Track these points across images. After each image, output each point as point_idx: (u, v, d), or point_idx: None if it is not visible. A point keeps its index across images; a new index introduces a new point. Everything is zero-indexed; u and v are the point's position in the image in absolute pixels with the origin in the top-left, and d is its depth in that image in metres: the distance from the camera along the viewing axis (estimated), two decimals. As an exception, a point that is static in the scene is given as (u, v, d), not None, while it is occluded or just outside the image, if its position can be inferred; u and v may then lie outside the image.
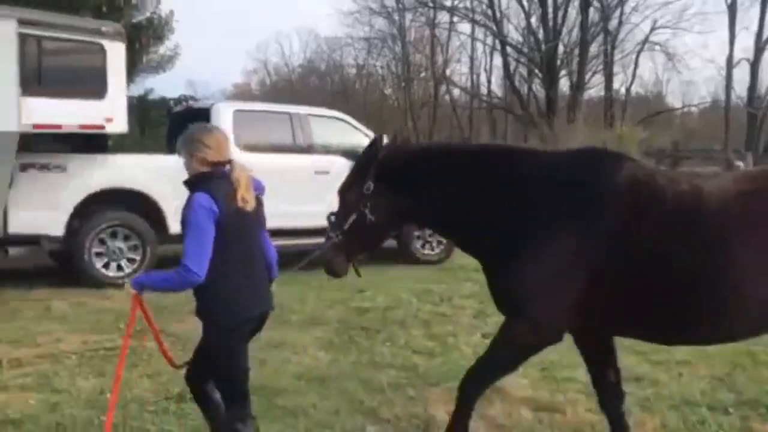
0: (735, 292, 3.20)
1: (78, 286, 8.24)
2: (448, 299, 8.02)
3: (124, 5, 16.40)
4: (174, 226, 8.70)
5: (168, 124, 10.40)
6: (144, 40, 17.20)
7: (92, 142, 8.56)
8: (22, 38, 6.30)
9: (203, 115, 9.04)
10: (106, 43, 7.83)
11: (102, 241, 8.38)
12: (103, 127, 7.93)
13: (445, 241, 10.08)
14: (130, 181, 8.50)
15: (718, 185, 3.38)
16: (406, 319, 6.99)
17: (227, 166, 3.35)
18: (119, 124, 8.06)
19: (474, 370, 3.53)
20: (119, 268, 8.53)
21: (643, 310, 3.35)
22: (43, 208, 7.90)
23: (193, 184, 3.35)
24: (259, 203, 3.48)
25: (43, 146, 8.02)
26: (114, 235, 8.46)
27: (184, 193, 3.39)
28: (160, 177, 8.41)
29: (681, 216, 3.29)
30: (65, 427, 4.39)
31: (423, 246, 10.47)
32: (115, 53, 7.92)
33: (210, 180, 3.30)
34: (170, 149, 9.78)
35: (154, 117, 14.42)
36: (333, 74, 47.86)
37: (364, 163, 3.63)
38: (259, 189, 3.49)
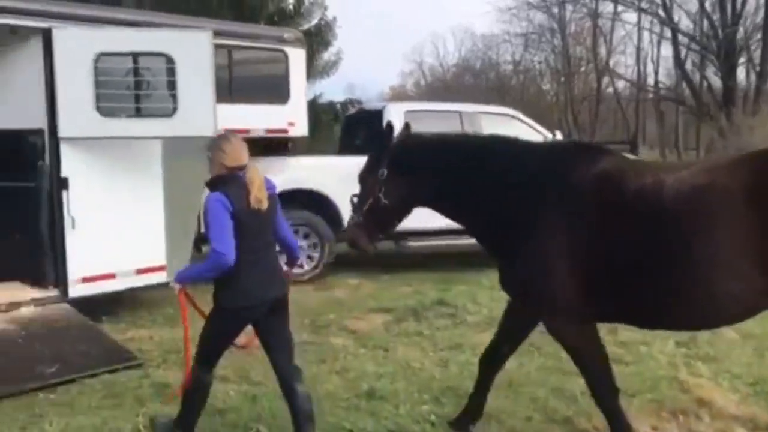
0: (692, 282, 3.37)
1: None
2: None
3: (294, 14, 17.12)
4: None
5: (342, 126, 10.72)
6: (313, 46, 17.89)
7: (273, 145, 8.98)
8: (216, 48, 6.68)
9: (376, 116, 9.18)
10: (288, 50, 8.18)
11: (284, 239, 8.73)
12: (286, 131, 8.29)
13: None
14: (311, 182, 8.81)
15: (681, 178, 3.50)
16: (589, 324, 6.65)
17: (243, 170, 3.76)
18: (301, 128, 8.39)
19: (590, 382, 3.91)
20: (300, 265, 8.87)
21: (617, 297, 3.58)
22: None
23: (211, 185, 3.79)
24: (274, 200, 3.89)
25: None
26: (295, 234, 8.77)
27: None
28: (336, 178, 8.65)
29: (641, 208, 3.48)
30: (266, 419, 4.58)
31: None
32: (297, 59, 8.25)
33: (225, 182, 3.73)
34: (343, 151, 10.08)
35: (323, 120, 14.97)
36: (488, 72, 47.34)
37: (379, 151, 4.01)
38: (271, 188, 3.88)
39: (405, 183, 3.93)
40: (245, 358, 5.76)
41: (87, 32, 6.29)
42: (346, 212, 8.80)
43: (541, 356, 5.79)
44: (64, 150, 6.34)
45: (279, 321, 4.04)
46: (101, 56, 6.27)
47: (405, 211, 4.13)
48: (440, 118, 9.63)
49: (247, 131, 7.89)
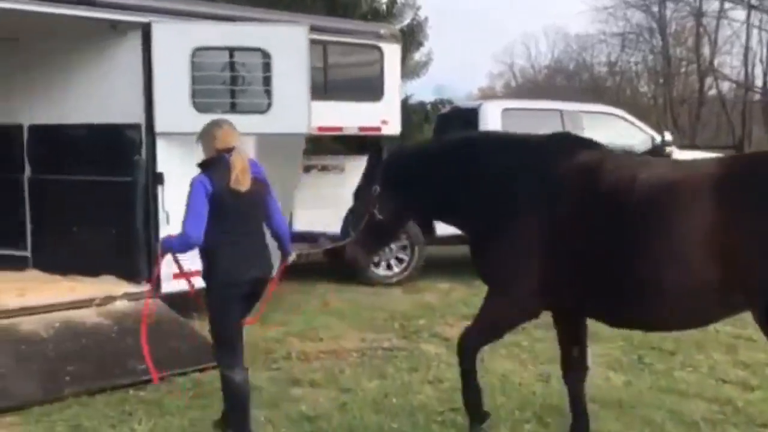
0: (651, 277, 3.36)
1: (350, 283, 8.48)
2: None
3: (387, 14, 16.94)
4: (441, 228, 8.63)
5: (435, 125, 10.43)
6: (404, 47, 17.63)
7: (365, 145, 8.80)
8: (311, 44, 6.53)
9: (471, 115, 8.86)
10: (384, 46, 7.97)
11: (374, 241, 8.53)
12: (379, 130, 8.08)
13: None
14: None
15: (654, 174, 3.50)
16: (704, 341, 6.10)
17: (230, 153, 3.98)
18: (393, 126, 8.16)
19: (468, 334, 4.03)
20: (389, 267, 8.65)
21: (589, 291, 3.61)
22: (323, 207, 8.23)
23: (201, 166, 4.05)
24: (261, 184, 4.09)
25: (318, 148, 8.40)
26: (384, 235, 8.57)
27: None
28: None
29: (610, 202, 3.50)
30: (356, 430, 4.35)
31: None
32: (392, 56, 8.03)
33: (211, 164, 4.01)
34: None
35: (414, 121, 14.70)
36: (582, 73, 45.92)
37: (370, 168, 4.16)
38: (256, 172, 4.08)
39: (397, 197, 4.05)
40: (336, 363, 5.60)
41: (185, 27, 6.26)
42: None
43: (651, 374, 5.33)
44: (160, 145, 6.32)
45: (253, 302, 4.21)
46: (198, 51, 6.22)
47: (400, 225, 4.34)
48: (539, 116, 9.22)
49: (340, 129, 7.74)
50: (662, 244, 3.34)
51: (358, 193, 4.25)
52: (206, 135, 4.12)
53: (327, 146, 8.90)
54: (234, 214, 3.91)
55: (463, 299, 7.94)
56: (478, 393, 4.05)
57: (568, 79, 46.67)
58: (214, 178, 3.89)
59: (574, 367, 4.05)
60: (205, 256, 3.98)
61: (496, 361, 5.57)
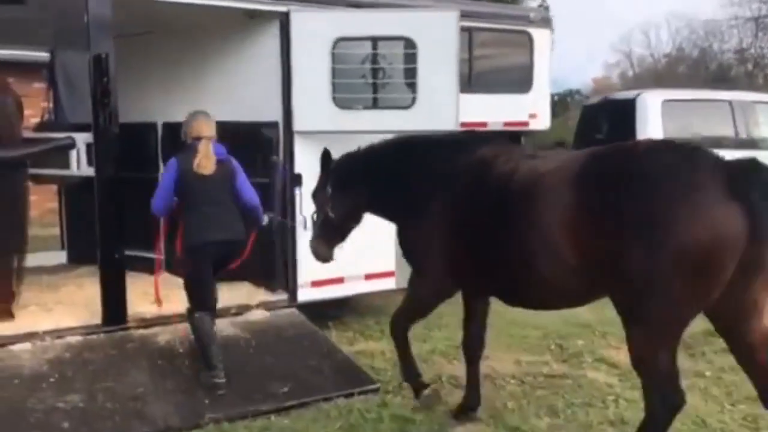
0: (525, 261, 3.67)
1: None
2: None
3: (511, 1, 16.09)
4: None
5: (580, 118, 9.55)
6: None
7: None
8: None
9: (627, 106, 7.95)
10: (534, 32, 7.22)
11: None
12: (527, 124, 7.34)
13: None
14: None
15: (533, 165, 3.80)
16: None
17: (200, 141, 4.67)
18: (542, 121, 7.40)
19: (396, 313, 4.69)
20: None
21: (483, 274, 4.05)
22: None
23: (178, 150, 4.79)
24: (226, 166, 4.76)
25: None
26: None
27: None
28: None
29: (494, 192, 3.88)
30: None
31: None
32: (542, 42, 7.27)
33: (183, 149, 4.74)
34: (581, 146, 8.92)
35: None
36: (709, 61, 42.88)
37: (324, 172, 4.76)
38: (220, 154, 4.74)
39: (345, 196, 4.63)
40: (494, 392, 4.96)
41: (326, 15, 5.77)
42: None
43: None
44: (298, 144, 5.89)
45: (225, 263, 4.91)
46: (339, 42, 5.71)
47: (352, 220, 4.81)
48: (706, 107, 8.17)
49: (484, 124, 7.06)
50: (533, 231, 3.60)
51: (315, 194, 4.86)
52: (185, 124, 4.80)
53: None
54: (199, 191, 4.64)
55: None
56: (413, 365, 4.73)
57: (691, 68, 43.74)
58: (182, 161, 4.66)
59: (476, 341, 4.74)
60: (174, 225, 4.94)
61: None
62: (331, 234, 4.76)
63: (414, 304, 4.60)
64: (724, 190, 3.14)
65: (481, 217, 3.92)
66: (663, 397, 3.37)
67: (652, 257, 3.17)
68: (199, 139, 4.68)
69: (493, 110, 7.02)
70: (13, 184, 5.02)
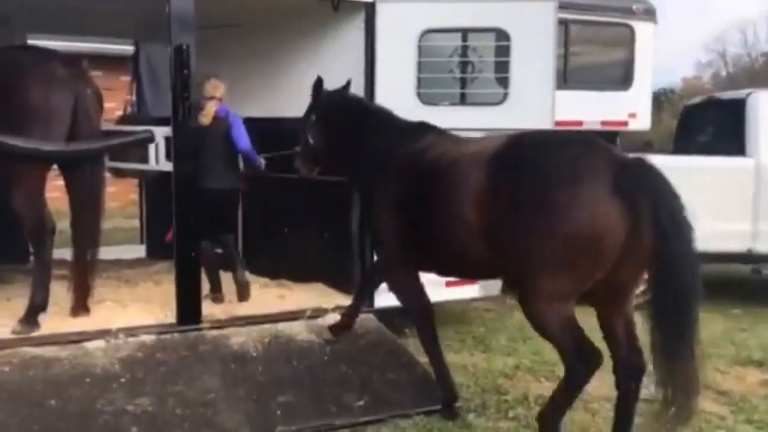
0: (443, 237, 4.04)
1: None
2: None
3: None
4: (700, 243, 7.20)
5: (680, 119, 8.87)
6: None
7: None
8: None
9: (735, 106, 7.29)
10: (636, 24, 6.70)
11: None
12: (626, 124, 6.84)
13: None
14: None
15: (455, 149, 4.18)
16: None
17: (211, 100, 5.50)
18: (643, 120, 6.88)
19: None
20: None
21: (419, 247, 4.33)
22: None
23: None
24: (222, 121, 5.51)
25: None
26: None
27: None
28: (682, 183, 7.02)
29: (426, 174, 4.18)
30: None
31: None
32: (644, 36, 6.75)
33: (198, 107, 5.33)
34: (681, 149, 8.29)
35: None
36: (812, 59, 40.22)
37: (314, 100, 4.98)
38: (222, 113, 5.53)
39: (324, 129, 4.86)
40: (588, 419, 4.54)
41: (413, 6, 5.44)
42: (694, 224, 7.22)
43: None
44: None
45: (222, 211, 5.62)
46: (426, 34, 5.38)
47: (327, 153, 4.91)
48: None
49: (580, 123, 6.60)
50: (451, 208, 3.92)
51: (303, 118, 5.01)
52: (200, 87, 5.33)
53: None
54: (201, 145, 5.14)
55: (726, 334, 6.51)
56: (444, 372, 4.68)
57: (791, 68, 41.09)
58: (196, 116, 5.20)
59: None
60: None
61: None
62: (310, 158, 5.01)
63: (391, 285, 4.85)
64: (610, 185, 3.41)
65: (415, 193, 4.25)
66: (578, 357, 3.68)
67: (540, 240, 3.53)
68: (210, 99, 5.45)
69: (589, 108, 6.56)
70: (89, 177, 4.93)
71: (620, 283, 3.66)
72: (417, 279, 4.65)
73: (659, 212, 3.35)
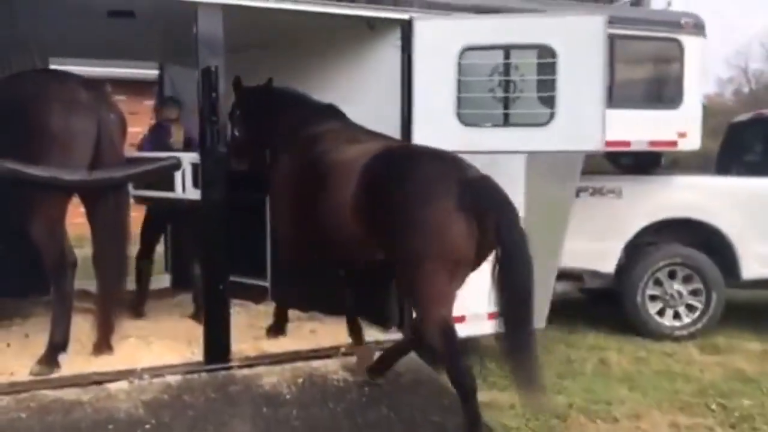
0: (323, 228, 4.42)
1: (626, 333, 6.90)
2: None
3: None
4: (750, 269, 6.79)
5: (725, 137, 8.46)
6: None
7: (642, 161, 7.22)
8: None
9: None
10: (684, 39, 6.34)
11: (657, 282, 6.90)
12: (675, 144, 6.46)
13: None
14: (696, 210, 6.85)
15: (343, 151, 4.50)
16: None
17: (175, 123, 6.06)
18: (692, 140, 6.50)
19: None
20: (676, 315, 6.94)
21: (306, 239, 4.74)
22: (593, 240, 6.77)
23: None
24: (191, 142, 5.79)
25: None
26: (671, 276, 6.91)
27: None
28: (729, 205, 6.65)
29: (311, 167, 4.56)
30: None
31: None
32: (693, 51, 6.38)
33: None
34: (725, 168, 7.90)
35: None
36: (842, 74, 39.42)
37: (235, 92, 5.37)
38: (188, 133, 5.92)
39: (243, 123, 5.25)
40: None
41: (453, 22, 5.15)
42: (744, 252, 6.81)
43: None
44: (418, 166, 5.25)
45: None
46: (466, 51, 5.07)
47: (250, 143, 5.30)
48: None
49: (627, 144, 6.25)
50: (332, 205, 4.27)
51: (228, 115, 5.06)
52: (158, 111, 5.96)
53: (594, 163, 7.42)
54: None
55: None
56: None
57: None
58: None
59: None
60: None
61: None
62: (236, 151, 5.18)
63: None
64: (457, 201, 3.84)
65: (303, 184, 4.55)
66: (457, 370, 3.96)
67: (400, 249, 3.97)
68: (173, 121, 5.94)
69: (636, 128, 6.20)
70: (113, 207, 4.65)
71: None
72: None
73: (501, 225, 3.83)
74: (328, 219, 4.34)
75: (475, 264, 4.00)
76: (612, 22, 5.13)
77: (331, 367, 4.91)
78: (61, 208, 4.55)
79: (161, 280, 7.36)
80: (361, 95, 5.63)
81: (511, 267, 3.85)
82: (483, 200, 3.88)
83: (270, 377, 4.70)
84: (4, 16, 4.90)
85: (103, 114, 4.54)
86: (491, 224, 3.84)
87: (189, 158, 4.88)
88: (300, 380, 4.69)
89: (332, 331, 5.55)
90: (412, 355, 5.19)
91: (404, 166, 4.13)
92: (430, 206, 3.88)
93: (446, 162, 4.10)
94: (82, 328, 4.97)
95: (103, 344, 4.82)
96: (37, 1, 4.53)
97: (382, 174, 4.11)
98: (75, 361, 4.63)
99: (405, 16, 5.12)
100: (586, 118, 4.98)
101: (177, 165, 4.84)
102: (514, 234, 3.86)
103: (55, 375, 4.44)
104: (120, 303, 4.88)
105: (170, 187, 5.00)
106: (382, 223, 4.03)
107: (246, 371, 4.76)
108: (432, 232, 3.84)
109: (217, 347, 4.77)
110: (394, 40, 5.24)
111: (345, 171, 4.27)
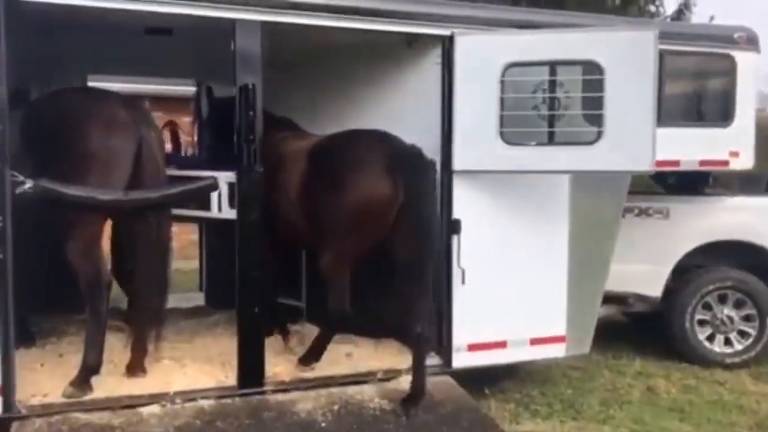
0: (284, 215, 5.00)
1: (673, 359, 6.62)
2: None
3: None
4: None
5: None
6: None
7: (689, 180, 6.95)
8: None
9: None
10: (737, 54, 6.10)
11: (707, 306, 6.61)
12: (727, 164, 6.20)
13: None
14: (747, 232, 6.57)
15: (291, 144, 5.21)
16: None
17: None
18: (746, 159, 6.23)
19: None
20: (727, 342, 6.63)
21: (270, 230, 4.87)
22: (639, 262, 6.52)
23: None
24: None
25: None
26: (722, 300, 6.61)
27: None
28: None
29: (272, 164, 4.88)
30: None
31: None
32: (746, 66, 6.13)
33: None
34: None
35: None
36: None
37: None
38: None
39: (210, 129, 5.95)
40: None
41: (496, 38, 4.99)
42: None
43: None
44: (458, 186, 5.11)
45: None
46: (510, 68, 4.92)
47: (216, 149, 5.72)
48: None
49: (677, 163, 6.01)
50: (282, 195, 4.95)
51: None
52: None
53: (639, 183, 7.17)
54: None
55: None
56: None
57: None
58: None
59: None
60: None
61: None
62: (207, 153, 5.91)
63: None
64: (384, 168, 4.63)
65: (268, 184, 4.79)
66: (339, 300, 4.80)
67: (335, 210, 4.64)
68: None
69: (686, 146, 5.96)
70: (155, 228, 4.56)
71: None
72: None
73: (411, 186, 4.60)
74: (283, 200, 4.93)
75: (396, 220, 4.66)
76: (661, 36, 4.91)
77: (367, 393, 4.77)
78: (98, 227, 4.49)
79: (196, 298, 7.30)
80: (397, 114, 5.50)
81: (410, 215, 4.60)
82: (404, 165, 4.63)
83: (305, 403, 4.58)
84: (43, 35, 4.89)
85: (143, 132, 4.47)
86: (404, 186, 4.60)
87: (225, 177, 4.79)
88: (335, 407, 4.56)
89: (368, 355, 5.41)
90: (452, 382, 5.03)
91: (342, 141, 4.90)
92: (362, 170, 4.66)
93: (376, 135, 4.85)
94: (115, 347, 4.91)
95: (136, 366, 4.74)
96: (75, 19, 4.48)
97: (324, 150, 4.85)
98: (107, 383, 4.56)
99: (446, 32, 4.99)
100: (635, 137, 4.78)
101: (214, 186, 4.75)
102: (420, 193, 4.63)
103: (87, 398, 4.36)
104: (157, 324, 4.77)
105: (206, 206, 4.92)
106: (322, 187, 4.69)
107: (280, 396, 4.65)
108: (363, 192, 4.60)
109: (251, 371, 4.67)
110: (435, 56, 5.11)
111: (297, 155, 4.98)
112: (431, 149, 5.16)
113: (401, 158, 4.68)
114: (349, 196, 4.60)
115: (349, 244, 4.72)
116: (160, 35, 5.18)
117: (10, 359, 4.09)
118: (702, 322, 6.61)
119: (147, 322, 4.72)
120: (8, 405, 4.10)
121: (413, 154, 4.70)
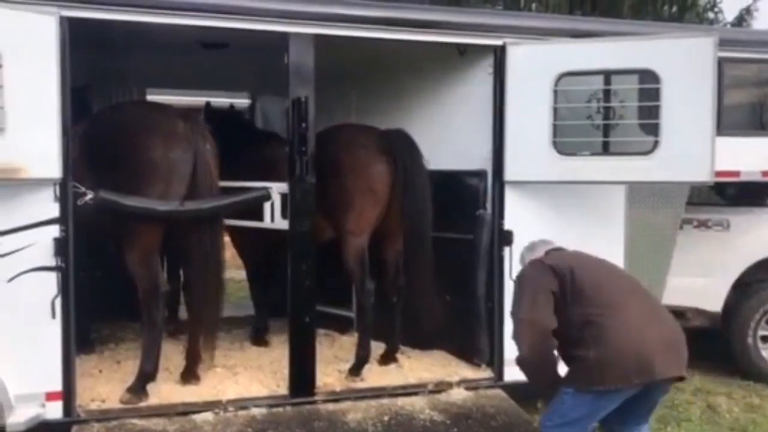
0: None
1: (730, 374, 6.39)
2: None
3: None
4: None
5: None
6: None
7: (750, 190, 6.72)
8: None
9: None
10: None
11: (770, 322, 6.38)
12: (793, 175, 5.97)
13: None
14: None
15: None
16: None
17: None
18: (809, 170, 5.99)
19: None
20: (787, 362, 6.37)
21: None
22: (698, 275, 6.32)
23: None
24: None
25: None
26: (778, 325, 6.38)
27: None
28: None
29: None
30: None
31: None
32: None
33: None
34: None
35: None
36: None
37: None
38: None
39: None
40: None
41: (549, 47, 4.94)
42: None
43: None
44: (510, 196, 5.06)
45: None
46: (563, 77, 4.85)
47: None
48: None
49: (737, 174, 5.83)
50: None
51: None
52: None
53: (698, 194, 6.97)
54: None
55: None
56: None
57: None
58: None
59: None
60: None
61: None
62: None
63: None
64: (379, 149, 5.11)
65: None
66: (362, 283, 5.23)
67: (340, 190, 5.04)
68: None
69: (747, 157, 5.78)
70: (209, 238, 4.65)
71: (387, 222, 5.18)
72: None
73: (404, 164, 5.05)
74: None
75: (390, 197, 5.11)
76: (721, 44, 4.78)
77: (417, 405, 4.74)
78: (156, 237, 4.59)
79: (249, 307, 7.38)
80: (449, 124, 5.51)
81: (410, 198, 5.05)
82: (395, 147, 5.08)
83: (355, 413, 4.58)
84: (104, 50, 5.05)
85: (199, 144, 4.57)
86: (400, 165, 5.05)
87: (278, 188, 4.85)
88: (385, 418, 4.55)
89: (418, 366, 5.39)
90: (503, 395, 4.97)
91: (336, 129, 5.35)
92: (356, 152, 5.08)
93: (366, 126, 5.42)
94: (170, 355, 5.01)
95: (190, 374, 4.83)
96: (134, 34, 4.62)
97: (321, 139, 4.90)
98: (162, 389, 4.65)
99: (498, 42, 4.96)
100: (693, 147, 4.66)
101: (267, 197, 4.82)
102: (414, 170, 5.07)
103: (143, 404, 4.45)
104: (211, 332, 4.84)
105: (259, 217, 4.99)
106: (322, 171, 4.77)
107: (331, 406, 4.66)
108: (359, 171, 5.03)
109: (302, 380, 4.70)
110: (486, 66, 5.09)
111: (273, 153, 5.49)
112: (482, 159, 5.17)
113: (392, 136, 5.19)
114: (350, 179, 5.03)
115: (356, 222, 5.10)
116: (216, 49, 5.30)
117: (70, 365, 4.22)
118: (765, 338, 6.38)
119: (201, 331, 4.81)
120: (68, 409, 4.21)
121: (401, 133, 5.18)
